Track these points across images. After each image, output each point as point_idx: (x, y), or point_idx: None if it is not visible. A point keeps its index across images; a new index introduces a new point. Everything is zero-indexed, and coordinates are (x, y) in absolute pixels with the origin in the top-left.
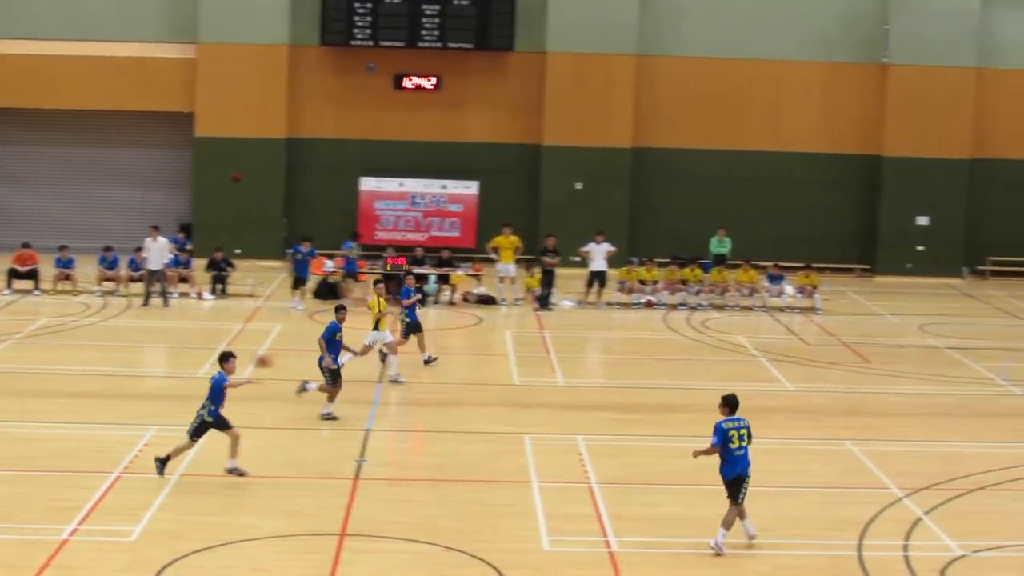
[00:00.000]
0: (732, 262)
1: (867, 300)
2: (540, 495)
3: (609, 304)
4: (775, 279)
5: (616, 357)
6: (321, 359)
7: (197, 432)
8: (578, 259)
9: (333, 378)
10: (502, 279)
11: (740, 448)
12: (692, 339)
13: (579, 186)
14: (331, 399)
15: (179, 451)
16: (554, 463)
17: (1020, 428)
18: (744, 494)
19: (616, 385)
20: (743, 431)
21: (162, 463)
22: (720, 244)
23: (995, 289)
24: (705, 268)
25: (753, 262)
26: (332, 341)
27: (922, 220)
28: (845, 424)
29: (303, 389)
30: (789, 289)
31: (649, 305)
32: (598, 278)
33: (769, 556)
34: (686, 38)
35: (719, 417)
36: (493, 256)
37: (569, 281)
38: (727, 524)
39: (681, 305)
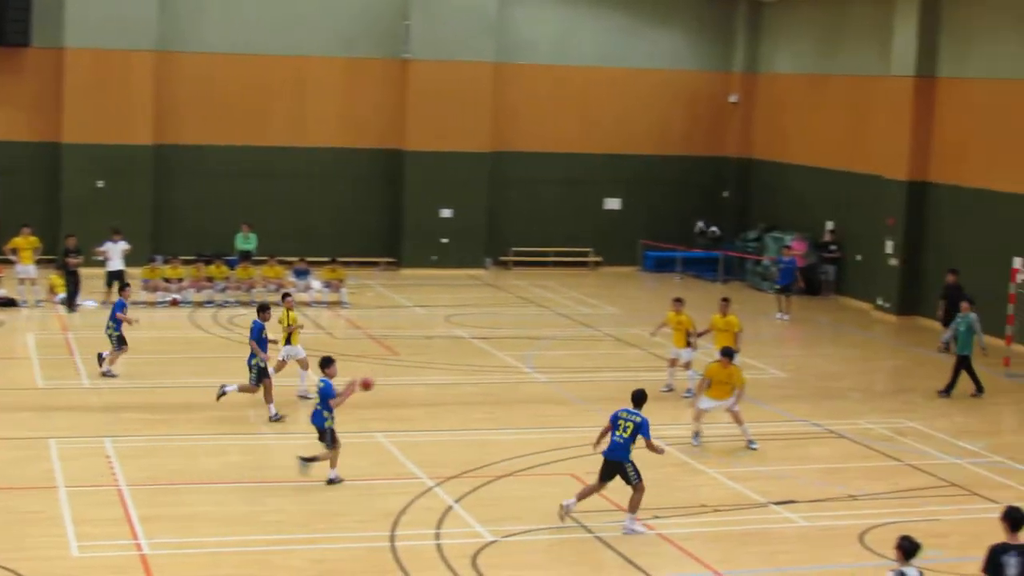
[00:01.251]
0: (258, 258)
1: (394, 293)
2: (68, 500)
3: (135, 303)
4: (301, 274)
5: (142, 357)
6: (251, 358)
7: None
8: (100, 259)
9: (259, 377)
10: (22, 281)
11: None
12: (219, 336)
13: (101, 184)
14: (269, 399)
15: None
16: (81, 467)
17: (544, 414)
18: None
19: (143, 385)
20: (629, 423)
21: (306, 461)
22: (245, 240)
23: (517, 279)
24: (230, 264)
25: (279, 258)
26: (261, 340)
27: (445, 213)
28: (375, 416)
29: (222, 393)
30: (316, 284)
31: (174, 303)
32: (116, 277)
33: (303, 551)
34: (207, 34)
35: None
36: (12, 258)
37: (93, 281)
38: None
39: (207, 302)
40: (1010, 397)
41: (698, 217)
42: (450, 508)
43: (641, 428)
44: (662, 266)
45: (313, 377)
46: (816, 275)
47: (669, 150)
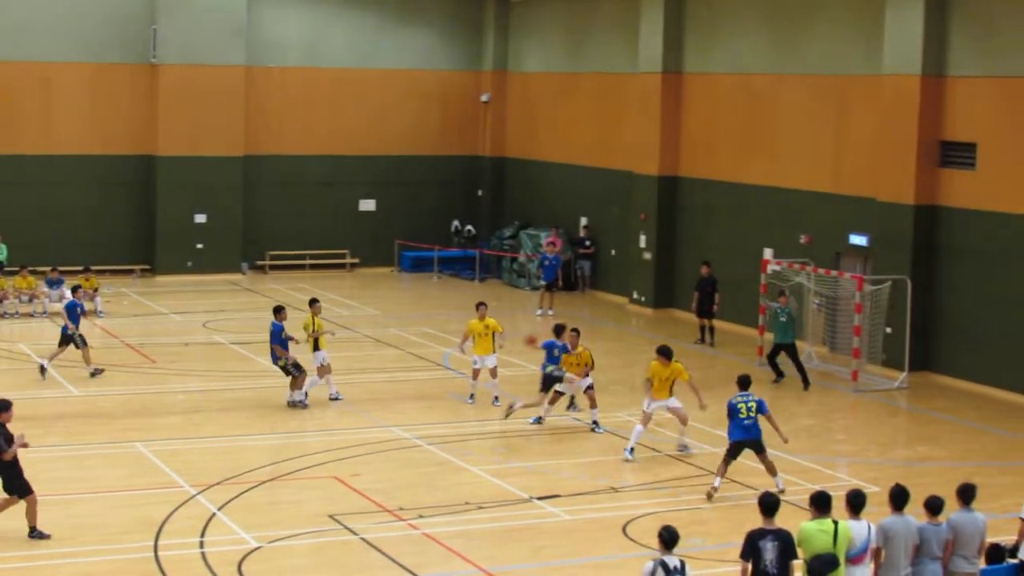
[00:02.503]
0: (9, 268)
1: (149, 300)
2: None
3: None
4: (54, 284)
5: None
6: (276, 358)
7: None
8: None
9: (297, 368)
10: None
11: (749, 418)
12: None
13: None
14: (299, 385)
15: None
16: None
17: (302, 418)
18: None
19: None
20: (751, 403)
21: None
22: None
23: (275, 282)
24: None
25: (31, 268)
26: (283, 341)
27: (200, 218)
28: (134, 425)
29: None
30: (69, 293)
31: None
32: None
33: (67, 564)
34: None
35: None
36: None
37: None
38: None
39: None
40: (766, 386)
41: (454, 216)
42: (213, 515)
43: (761, 406)
44: (419, 266)
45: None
46: (572, 271)
47: (423, 150)
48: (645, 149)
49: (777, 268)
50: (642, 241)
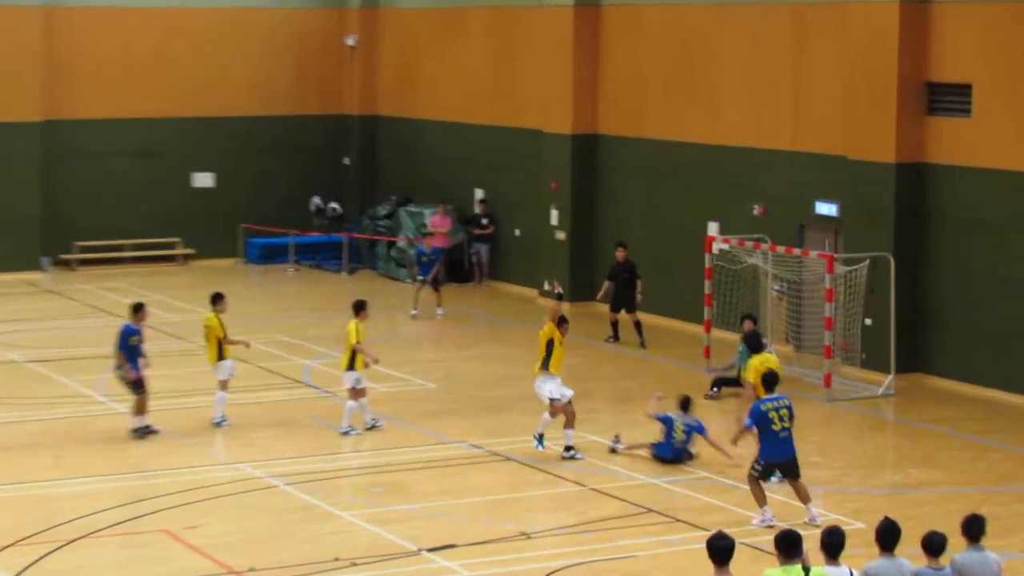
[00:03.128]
0: None
1: None
2: None
3: None
4: None
5: None
6: (118, 367)
7: None
8: None
9: (138, 386)
10: None
11: (784, 430)
12: None
13: None
14: (141, 409)
15: None
16: None
17: (130, 454)
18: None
19: None
20: (783, 411)
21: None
22: None
23: (85, 282)
24: None
25: None
26: (130, 348)
27: None
28: None
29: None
30: None
31: None
32: None
33: None
34: None
35: None
36: None
37: None
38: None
39: None
40: (716, 403)
41: (314, 192)
42: None
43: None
44: (271, 256)
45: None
46: (465, 257)
47: (274, 109)
48: (554, 102)
49: (724, 247)
50: (553, 217)
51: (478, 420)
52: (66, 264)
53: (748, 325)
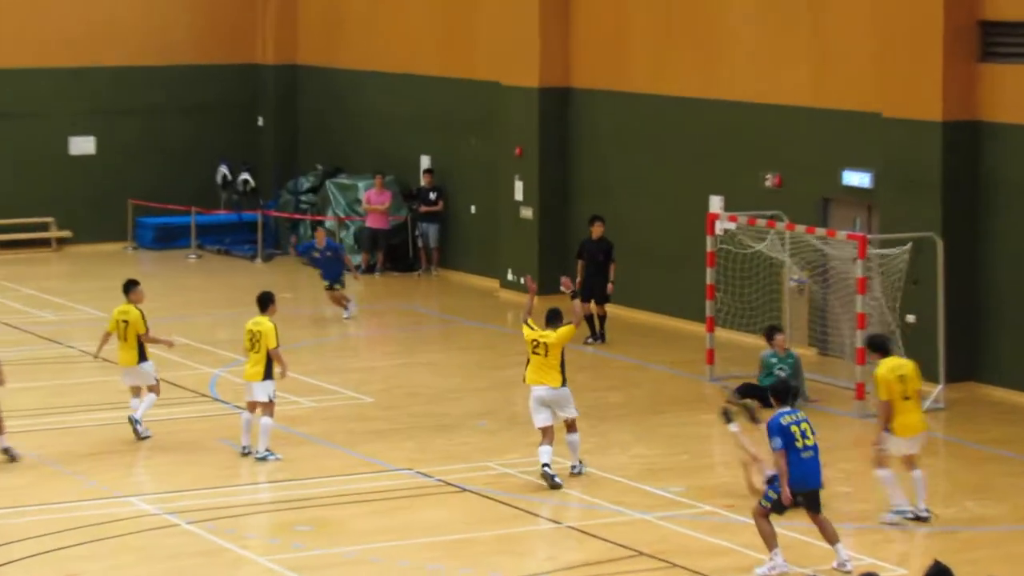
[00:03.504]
0: None
1: None
2: None
3: None
4: None
5: None
6: None
7: None
8: None
9: None
10: None
11: (807, 448)
12: None
13: None
14: None
15: None
16: None
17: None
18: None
19: None
20: (804, 425)
21: None
22: None
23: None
24: None
25: None
26: None
27: None
28: None
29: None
30: None
31: None
32: None
33: None
34: None
35: None
36: None
37: None
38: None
39: None
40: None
41: (220, 160)
42: None
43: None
44: (168, 239)
45: None
46: (410, 240)
47: (171, 58)
48: (518, 48)
49: (730, 226)
50: (518, 190)
51: (426, 442)
52: None
53: (780, 340)
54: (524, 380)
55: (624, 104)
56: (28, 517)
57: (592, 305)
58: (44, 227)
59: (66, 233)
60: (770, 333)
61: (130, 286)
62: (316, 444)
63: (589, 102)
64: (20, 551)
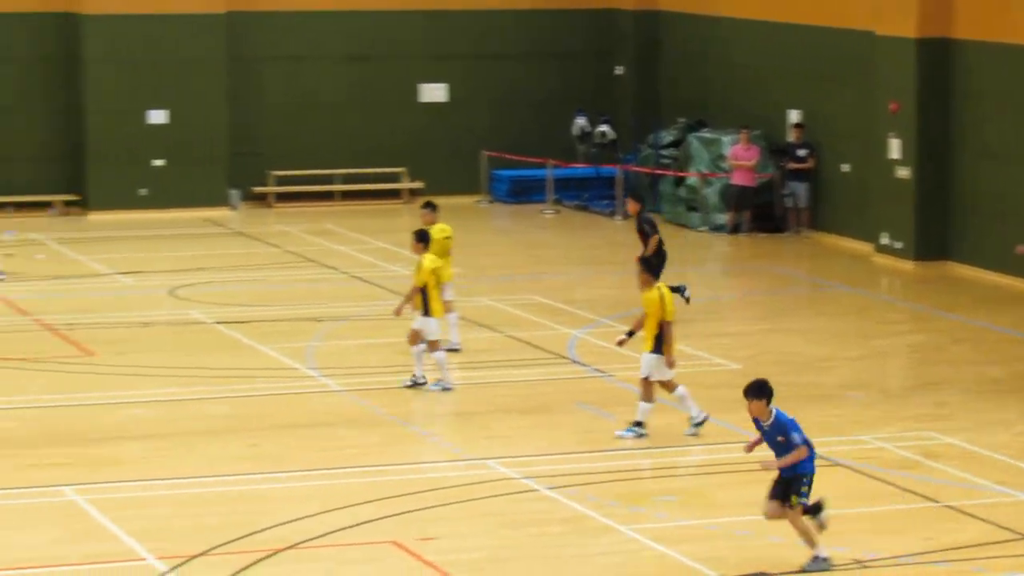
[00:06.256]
0: None
1: (79, 252)
2: None
3: None
4: None
5: None
6: None
7: None
8: None
9: None
10: None
11: None
12: None
13: None
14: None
15: None
16: None
17: (343, 444)
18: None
19: None
20: None
21: None
22: None
23: (283, 222)
24: None
25: None
26: None
27: (157, 116)
28: (62, 459)
29: None
30: None
31: None
32: None
33: None
34: None
35: None
36: None
37: None
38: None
39: None
40: None
41: (577, 111)
42: None
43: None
44: (522, 192)
45: None
46: (776, 199)
47: (527, 2)
48: None
49: None
50: (894, 149)
51: (795, 413)
52: (260, 199)
53: None
54: None
55: (1012, 57)
56: (384, 477)
57: None
58: (395, 177)
59: (418, 184)
60: None
61: (425, 237)
62: (679, 412)
63: (972, 54)
64: (376, 511)
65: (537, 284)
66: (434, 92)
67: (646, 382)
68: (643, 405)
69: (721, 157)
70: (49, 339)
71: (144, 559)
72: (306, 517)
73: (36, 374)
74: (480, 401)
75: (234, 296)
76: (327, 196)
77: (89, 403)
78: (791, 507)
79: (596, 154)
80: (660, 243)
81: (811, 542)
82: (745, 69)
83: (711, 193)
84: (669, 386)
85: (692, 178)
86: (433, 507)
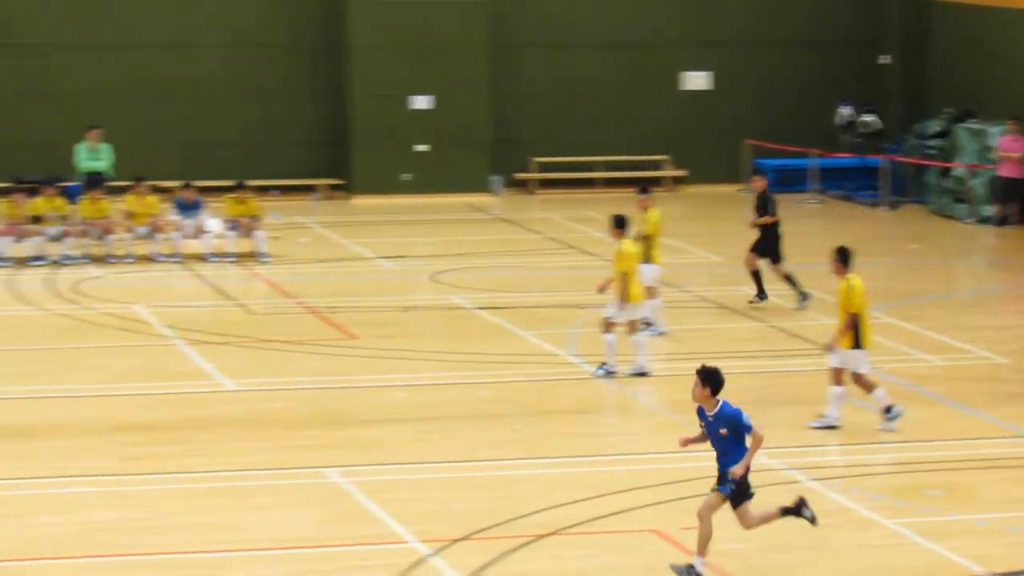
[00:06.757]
0: (116, 183)
1: (342, 236)
2: None
3: None
4: (188, 207)
5: None
6: None
7: None
8: None
9: None
10: None
11: None
12: (63, 314)
13: None
14: None
15: None
16: None
17: (605, 432)
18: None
19: None
20: None
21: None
22: (93, 155)
23: (546, 208)
24: (71, 195)
25: (152, 182)
26: None
27: (421, 102)
28: (325, 441)
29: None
30: (214, 223)
31: None
32: None
33: None
34: None
35: None
36: None
37: None
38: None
39: (36, 259)
40: None
41: (841, 100)
42: None
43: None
44: (786, 182)
45: None
46: None
47: None
48: None
49: None
50: None
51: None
52: (522, 186)
53: None
54: None
55: None
56: (647, 465)
57: None
58: (658, 165)
59: (680, 172)
60: None
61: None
62: (945, 405)
63: None
64: (638, 499)
65: (801, 274)
66: (696, 80)
67: (857, 377)
68: (875, 393)
69: (988, 148)
70: (312, 322)
71: (407, 542)
72: (568, 504)
73: (301, 356)
74: (741, 389)
75: (495, 282)
76: (588, 183)
77: (353, 386)
78: (713, 491)
79: (860, 144)
80: (776, 225)
81: (701, 548)
82: (1016, 59)
83: (978, 184)
84: (862, 382)
85: (959, 169)
86: (695, 496)
